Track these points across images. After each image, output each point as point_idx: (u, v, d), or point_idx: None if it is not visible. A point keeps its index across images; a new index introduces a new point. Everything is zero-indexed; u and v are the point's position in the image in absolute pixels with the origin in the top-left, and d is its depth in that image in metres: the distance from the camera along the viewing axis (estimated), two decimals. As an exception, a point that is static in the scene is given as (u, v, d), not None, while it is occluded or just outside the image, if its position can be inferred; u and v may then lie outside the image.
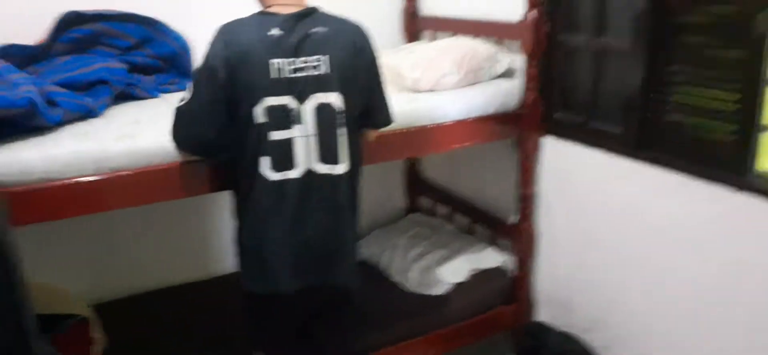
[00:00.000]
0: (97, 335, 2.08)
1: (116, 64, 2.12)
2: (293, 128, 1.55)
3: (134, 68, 2.27)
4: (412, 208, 3.15)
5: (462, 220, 2.86)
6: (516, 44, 2.34)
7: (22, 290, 1.49)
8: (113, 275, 2.53)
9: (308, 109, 1.55)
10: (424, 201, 3.11)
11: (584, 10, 2.17)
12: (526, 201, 2.40)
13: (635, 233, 2.05)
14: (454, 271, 2.47)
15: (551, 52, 2.26)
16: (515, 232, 2.48)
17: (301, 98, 1.54)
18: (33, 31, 2.12)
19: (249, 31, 1.54)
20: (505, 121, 2.30)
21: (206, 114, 1.56)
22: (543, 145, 2.35)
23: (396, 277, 2.56)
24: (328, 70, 1.55)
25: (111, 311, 2.33)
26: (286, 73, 1.52)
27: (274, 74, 1.51)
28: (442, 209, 2.98)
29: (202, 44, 2.35)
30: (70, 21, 2.14)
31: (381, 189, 3.08)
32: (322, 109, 1.56)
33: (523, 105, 2.30)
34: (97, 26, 2.20)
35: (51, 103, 1.77)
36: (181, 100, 1.61)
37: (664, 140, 1.94)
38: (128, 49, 2.28)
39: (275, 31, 1.53)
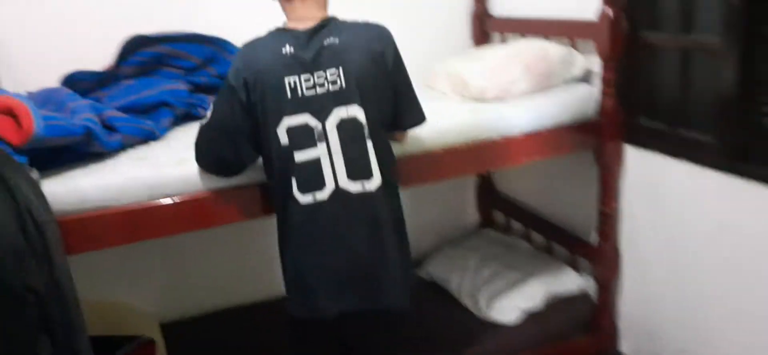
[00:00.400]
0: (161, 356, 2.09)
1: (178, 86, 2.13)
2: (317, 147, 1.48)
3: (199, 88, 2.28)
4: (485, 223, 2.99)
5: (538, 238, 2.67)
6: (592, 45, 2.14)
7: (76, 313, 1.50)
8: (182, 294, 2.56)
9: (330, 125, 1.47)
10: (498, 216, 2.95)
11: (668, 3, 1.96)
12: (607, 219, 2.19)
13: (732, 257, 1.81)
14: (528, 296, 2.31)
15: (631, 52, 2.05)
16: (596, 253, 2.28)
17: (322, 115, 1.47)
18: (102, 56, 2.18)
19: (266, 49, 1.51)
20: (581, 132, 2.12)
21: (224, 134, 1.54)
22: (625, 156, 2.14)
23: (465, 300, 2.42)
24: (345, 83, 1.46)
25: (176, 330, 2.34)
26: (303, 91, 1.47)
27: (290, 93, 1.46)
28: (517, 225, 2.81)
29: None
30: (135, 44, 2.17)
31: (451, 202, 2.95)
32: (345, 124, 1.47)
33: (601, 112, 2.11)
34: (162, 48, 2.22)
35: (110, 128, 1.79)
36: (203, 120, 1.59)
37: (765, 151, 1.70)
38: (193, 69, 2.29)
39: (289, 49, 1.48)
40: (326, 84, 1.46)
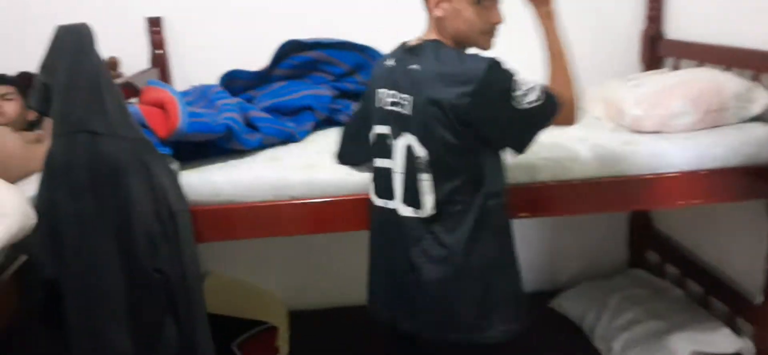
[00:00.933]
0: (282, 344, 2.19)
1: (322, 91, 2.20)
2: (391, 160, 1.48)
3: (345, 94, 2.35)
4: (636, 262, 2.72)
5: (694, 287, 2.36)
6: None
7: (199, 298, 1.62)
8: (315, 284, 2.65)
9: (398, 146, 1.45)
10: (652, 256, 2.65)
11: None
12: (776, 280, 1.87)
13: None
14: (671, 351, 2.04)
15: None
16: (759, 314, 1.97)
17: (395, 133, 1.46)
18: (259, 58, 2.33)
19: (382, 60, 1.56)
20: (753, 178, 1.82)
21: (348, 133, 1.72)
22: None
23: (597, 342, 2.22)
24: (412, 112, 1.40)
25: (304, 319, 2.43)
26: (386, 105, 1.47)
27: (378, 103, 1.50)
28: (671, 269, 2.51)
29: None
30: (290, 48, 2.28)
31: (598, 233, 2.72)
32: (408, 150, 1.43)
33: (781, 157, 1.79)
34: (315, 53, 2.31)
35: (253, 127, 1.90)
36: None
37: None
38: (341, 75, 2.36)
39: (390, 62, 1.50)
40: (400, 106, 1.43)
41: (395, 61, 1.48)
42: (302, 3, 2.38)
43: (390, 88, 1.46)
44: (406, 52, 1.47)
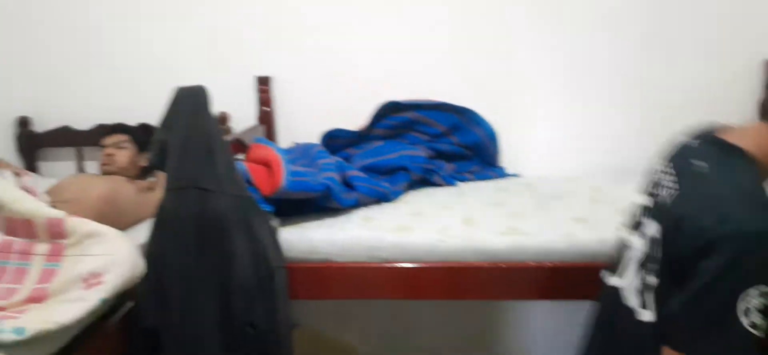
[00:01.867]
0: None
1: (418, 152, 2.22)
2: (630, 242, 1.28)
3: (439, 155, 2.36)
4: None
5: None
6: None
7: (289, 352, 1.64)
8: (401, 339, 2.62)
9: (635, 244, 1.24)
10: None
11: None
12: None
13: None
14: None
15: None
16: None
17: (635, 225, 1.26)
18: (358, 117, 2.40)
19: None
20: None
21: None
22: None
23: None
24: (650, 250, 1.17)
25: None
26: (649, 184, 1.27)
27: (645, 176, 1.30)
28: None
29: (511, 133, 2.40)
30: (389, 109, 2.34)
31: None
32: (639, 262, 1.21)
33: None
34: (412, 114, 2.35)
35: (349, 186, 1.94)
36: None
37: None
38: (437, 136, 2.38)
39: (660, 163, 1.26)
40: (656, 197, 1.21)
41: (661, 163, 1.26)
42: (400, 67, 2.43)
43: (647, 196, 1.25)
44: (672, 157, 1.22)
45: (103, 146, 2.20)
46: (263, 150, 1.87)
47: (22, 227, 1.40)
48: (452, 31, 2.41)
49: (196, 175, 1.50)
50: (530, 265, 1.65)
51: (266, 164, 1.77)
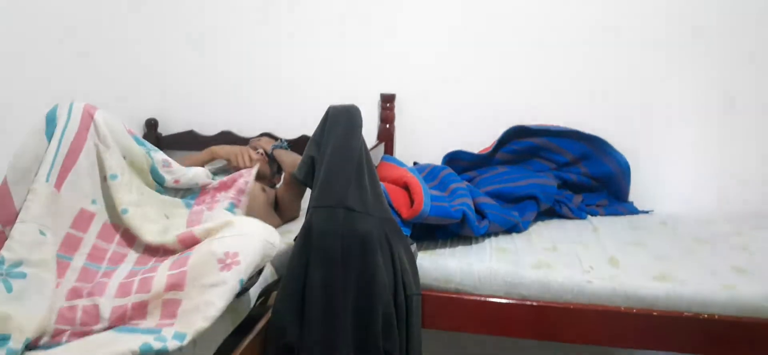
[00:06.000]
0: None
1: (548, 181, 2.13)
2: None
3: (566, 184, 2.26)
4: None
5: None
6: None
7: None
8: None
9: None
10: None
11: None
12: None
13: None
14: None
15: None
16: None
17: None
18: (484, 140, 2.33)
19: None
20: None
21: None
22: None
23: None
24: None
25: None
26: None
27: None
28: None
29: (642, 166, 2.27)
30: (515, 133, 2.26)
31: None
32: None
33: None
34: (540, 140, 2.26)
35: (480, 213, 1.87)
36: None
37: None
38: (564, 164, 2.28)
39: None
40: None
41: None
42: (525, 90, 2.35)
43: None
44: None
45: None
46: (397, 171, 1.83)
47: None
48: (586, 57, 2.31)
49: (346, 195, 1.48)
50: (686, 315, 1.53)
51: (405, 187, 1.73)
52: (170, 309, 1.24)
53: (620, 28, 2.28)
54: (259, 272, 1.50)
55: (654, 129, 2.32)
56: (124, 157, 1.47)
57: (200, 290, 1.23)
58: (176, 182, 1.55)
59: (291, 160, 2.04)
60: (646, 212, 2.27)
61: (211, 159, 2.09)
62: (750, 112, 2.26)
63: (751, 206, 2.30)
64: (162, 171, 1.53)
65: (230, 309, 1.35)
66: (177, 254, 1.36)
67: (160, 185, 1.54)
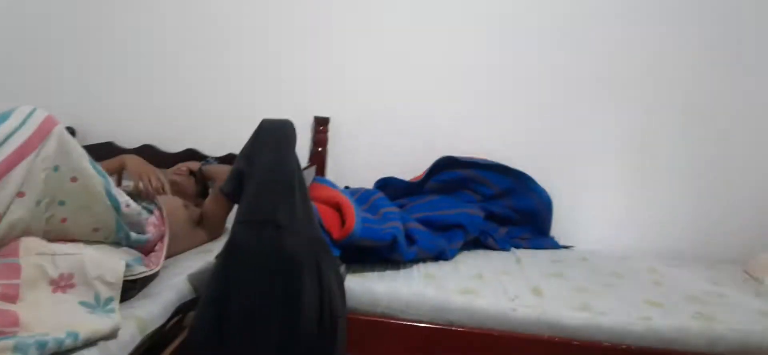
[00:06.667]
0: None
1: (475, 211, 2.16)
2: None
3: (490, 216, 2.30)
4: None
5: None
6: None
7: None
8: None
9: None
10: None
11: None
12: None
13: None
14: None
15: None
16: None
17: None
18: (415, 168, 2.34)
19: None
20: None
21: None
22: None
23: None
24: None
25: None
26: None
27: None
28: None
29: (562, 202, 2.34)
30: (446, 164, 2.29)
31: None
32: None
33: None
34: (467, 172, 2.30)
35: (410, 238, 1.87)
36: None
37: None
38: (490, 197, 2.32)
39: None
40: None
41: None
42: (455, 123, 2.39)
43: None
44: None
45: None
46: (329, 191, 1.81)
47: None
48: (518, 94, 2.38)
49: (275, 211, 1.43)
50: (605, 345, 1.57)
51: (336, 207, 1.70)
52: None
53: (548, 72, 2.37)
54: None
55: (575, 165, 2.40)
56: (76, 179, 1.32)
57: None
58: (127, 206, 1.44)
59: (222, 171, 1.97)
60: (567, 247, 2.34)
61: (121, 169, 1.98)
62: (663, 155, 2.39)
63: (667, 242, 2.42)
64: (115, 192, 1.41)
65: (138, 327, 1.27)
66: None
67: (116, 209, 1.40)
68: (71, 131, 2.42)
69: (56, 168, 1.25)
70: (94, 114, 2.46)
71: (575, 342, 1.57)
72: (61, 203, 1.27)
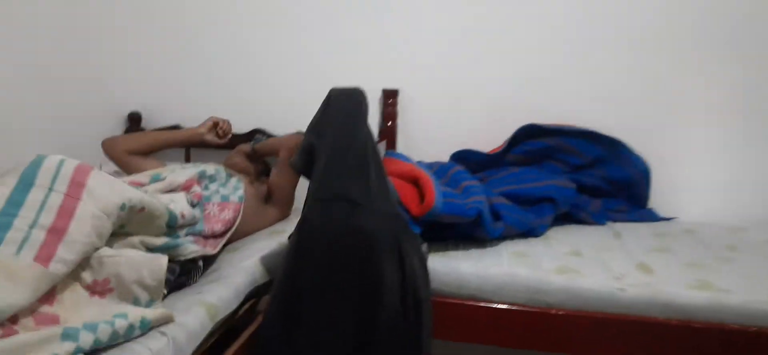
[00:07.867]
0: None
1: (565, 184, 1.95)
2: None
3: (582, 188, 2.08)
4: None
5: None
6: None
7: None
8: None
9: None
10: None
11: None
12: None
13: None
14: None
15: None
16: None
17: None
18: (492, 139, 2.16)
19: None
20: None
21: None
22: None
23: None
24: None
25: None
26: None
27: None
28: None
29: (662, 171, 2.10)
30: (528, 133, 2.09)
31: None
32: None
33: None
34: (553, 140, 2.09)
35: (495, 214, 1.70)
36: None
37: None
38: (580, 167, 2.11)
39: None
40: None
41: None
42: (530, 90, 2.19)
43: None
44: None
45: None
46: (403, 166, 1.66)
47: None
48: (604, 56, 2.15)
49: (346, 186, 1.29)
50: (732, 327, 1.35)
51: (414, 182, 1.55)
52: None
53: (641, 29, 2.12)
54: None
55: (676, 131, 2.15)
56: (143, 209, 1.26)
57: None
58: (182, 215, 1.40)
59: (277, 143, 1.88)
60: (669, 219, 2.10)
61: (190, 141, 2.04)
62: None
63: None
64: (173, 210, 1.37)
65: (208, 313, 1.18)
66: None
67: (172, 226, 1.36)
68: (137, 116, 2.38)
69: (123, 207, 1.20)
70: (160, 97, 2.41)
71: (696, 324, 1.36)
72: (122, 227, 1.24)
